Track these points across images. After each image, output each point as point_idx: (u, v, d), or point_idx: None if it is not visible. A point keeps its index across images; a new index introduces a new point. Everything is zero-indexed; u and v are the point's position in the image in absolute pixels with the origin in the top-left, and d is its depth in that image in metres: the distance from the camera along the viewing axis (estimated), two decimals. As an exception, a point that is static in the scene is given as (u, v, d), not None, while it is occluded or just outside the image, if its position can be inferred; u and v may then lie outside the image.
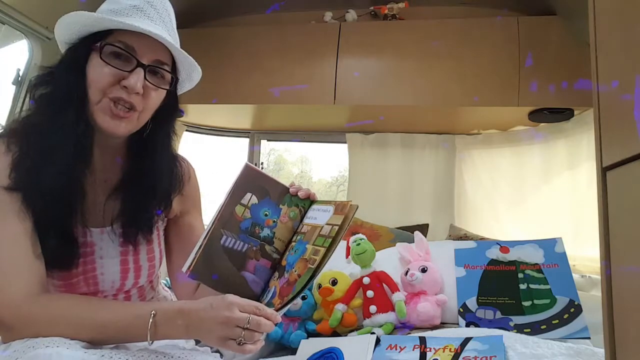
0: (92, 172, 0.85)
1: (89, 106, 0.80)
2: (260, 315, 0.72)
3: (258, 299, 0.82)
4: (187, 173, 1.01)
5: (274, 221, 0.88)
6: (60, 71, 0.82)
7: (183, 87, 0.95)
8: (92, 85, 0.79)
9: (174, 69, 0.88)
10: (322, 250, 0.77)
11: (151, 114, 0.87)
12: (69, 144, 0.78)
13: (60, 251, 0.80)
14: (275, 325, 0.74)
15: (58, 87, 0.80)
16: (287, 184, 0.92)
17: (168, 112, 0.91)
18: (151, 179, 0.89)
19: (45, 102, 0.81)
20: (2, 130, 0.83)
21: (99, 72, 0.79)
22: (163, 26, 0.84)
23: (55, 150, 0.77)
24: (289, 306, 0.76)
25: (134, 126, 0.84)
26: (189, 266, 0.82)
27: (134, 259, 0.91)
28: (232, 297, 0.72)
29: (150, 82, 0.82)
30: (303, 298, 1.32)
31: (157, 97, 0.85)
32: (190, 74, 0.91)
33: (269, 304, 0.78)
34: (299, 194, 0.90)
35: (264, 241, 0.86)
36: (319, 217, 0.86)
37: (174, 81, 0.87)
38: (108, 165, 0.90)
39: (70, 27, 0.81)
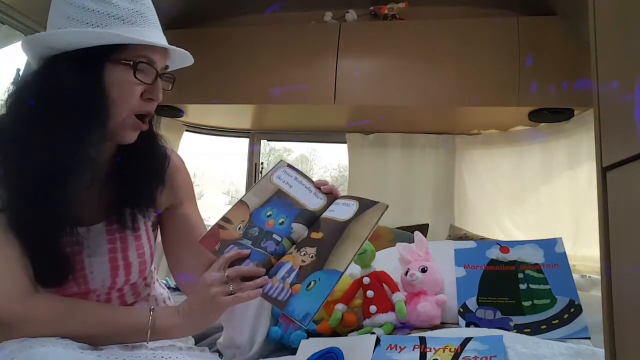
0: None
1: (110, 123, 0.78)
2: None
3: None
4: (174, 164, 0.98)
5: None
6: (68, 84, 0.75)
7: None
8: (121, 104, 0.77)
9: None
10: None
11: None
12: (81, 165, 0.76)
13: (51, 270, 0.79)
14: (247, 258, 0.83)
15: (69, 103, 0.75)
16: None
17: None
18: (135, 168, 0.89)
19: (48, 117, 0.75)
20: None
21: (128, 89, 0.77)
22: (159, 26, 0.84)
23: (66, 171, 0.74)
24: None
25: None
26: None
27: (123, 255, 0.89)
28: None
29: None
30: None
31: None
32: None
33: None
34: (322, 188, 0.94)
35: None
36: (337, 210, 0.90)
37: (173, 80, 0.88)
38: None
39: (67, 37, 0.76)
